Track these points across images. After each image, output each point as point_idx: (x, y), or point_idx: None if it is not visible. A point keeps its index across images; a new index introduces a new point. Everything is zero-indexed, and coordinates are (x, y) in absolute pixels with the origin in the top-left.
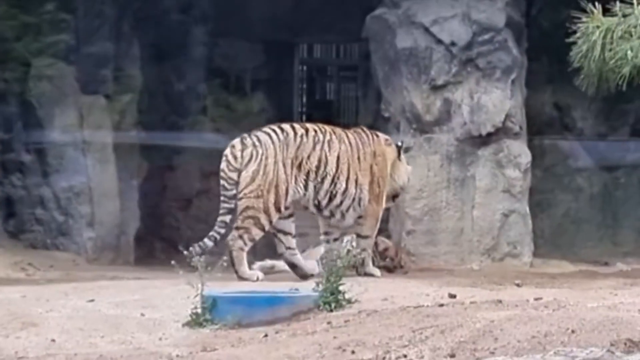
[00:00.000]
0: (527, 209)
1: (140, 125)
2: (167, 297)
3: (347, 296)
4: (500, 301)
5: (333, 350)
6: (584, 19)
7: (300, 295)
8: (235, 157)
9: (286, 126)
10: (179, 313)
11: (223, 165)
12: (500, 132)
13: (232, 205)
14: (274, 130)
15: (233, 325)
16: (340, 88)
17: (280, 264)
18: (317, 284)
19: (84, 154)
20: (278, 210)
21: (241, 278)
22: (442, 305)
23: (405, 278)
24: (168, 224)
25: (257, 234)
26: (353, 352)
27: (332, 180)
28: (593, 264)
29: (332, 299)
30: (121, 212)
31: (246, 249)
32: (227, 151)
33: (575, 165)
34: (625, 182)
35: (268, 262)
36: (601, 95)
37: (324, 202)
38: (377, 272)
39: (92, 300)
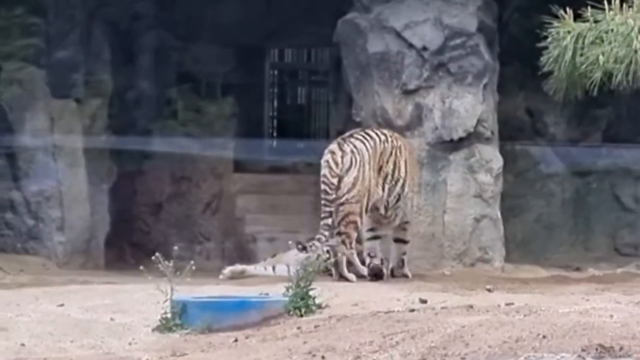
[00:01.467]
0: (499, 214)
1: (110, 129)
2: (137, 301)
3: (317, 301)
4: (471, 306)
5: (303, 355)
6: (556, 24)
7: (270, 300)
8: (336, 164)
9: (372, 133)
10: (148, 318)
11: (325, 171)
12: (471, 137)
13: (333, 209)
14: (364, 137)
15: (203, 330)
16: (311, 92)
17: (250, 269)
18: (287, 289)
19: (55, 158)
20: (365, 212)
21: (343, 278)
22: (413, 310)
23: (376, 283)
24: (138, 229)
25: (355, 235)
26: (323, 357)
27: (402, 184)
28: (565, 269)
29: (302, 304)
30: (91, 217)
31: (347, 252)
32: (328, 157)
33: (547, 171)
34: (597, 187)
35: (238, 267)
36: (573, 100)
37: (392, 203)
38: (353, 277)
39: (62, 305)
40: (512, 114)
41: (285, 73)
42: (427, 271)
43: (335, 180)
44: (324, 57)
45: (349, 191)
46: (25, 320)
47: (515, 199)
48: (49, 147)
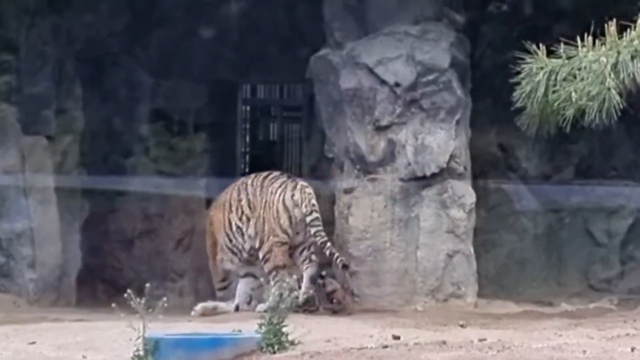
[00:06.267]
0: (472, 249)
1: (82, 166)
2: (109, 339)
3: (290, 338)
4: (444, 342)
5: None
6: (528, 60)
7: (243, 337)
8: None
9: None
10: (121, 355)
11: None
12: (444, 173)
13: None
14: None
15: None
16: (284, 129)
17: (222, 305)
18: (260, 326)
19: (26, 196)
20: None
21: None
22: (386, 346)
23: (348, 319)
24: (110, 265)
25: None
26: None
27: None
28: (537, 304)
29: (275, 341)
30: (63, 254)
31: None
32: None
33: (520, 206)
34: (570, 222)
35: (210, 303)
36: (545, 135)
37: None
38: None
39: (33, 343)
40: (485, 149)
41: (258, 109)
42: (400, 307)
43: None
44: (296, 93)
45: None
46: None
47: (488, 234)
48: (20, 184)
